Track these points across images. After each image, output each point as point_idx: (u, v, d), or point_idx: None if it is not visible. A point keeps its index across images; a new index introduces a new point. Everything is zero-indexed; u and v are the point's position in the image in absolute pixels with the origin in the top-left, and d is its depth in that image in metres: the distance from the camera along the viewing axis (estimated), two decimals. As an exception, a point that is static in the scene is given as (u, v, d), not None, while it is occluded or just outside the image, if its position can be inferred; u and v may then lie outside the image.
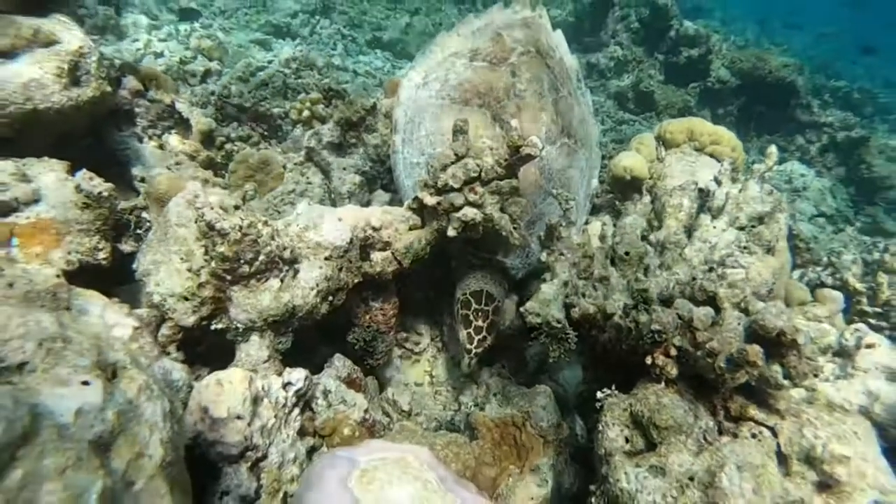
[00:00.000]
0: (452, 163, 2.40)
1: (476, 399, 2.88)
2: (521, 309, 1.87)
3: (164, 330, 2.10)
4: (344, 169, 3.29)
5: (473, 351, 2.51)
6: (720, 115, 8.09)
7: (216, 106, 4.73)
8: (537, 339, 1.80)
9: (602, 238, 2.38)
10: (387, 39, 9.48)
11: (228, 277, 1.99)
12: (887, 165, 7.00)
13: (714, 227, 2.39)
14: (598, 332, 1.86)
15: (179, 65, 5.61)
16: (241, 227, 1.92)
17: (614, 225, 2.69)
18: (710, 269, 2.25)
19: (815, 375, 1.53)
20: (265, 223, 2.02)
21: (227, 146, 3.70)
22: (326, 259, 2.21)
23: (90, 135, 2.90)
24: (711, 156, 3.07)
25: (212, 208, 1.95)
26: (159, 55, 6.19)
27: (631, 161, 3.03)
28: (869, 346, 2.07)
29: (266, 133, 4.76)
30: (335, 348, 2.76)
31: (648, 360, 1.63)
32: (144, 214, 2.64)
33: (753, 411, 1.57)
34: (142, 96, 3.39)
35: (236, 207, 2.20)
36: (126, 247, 2.53)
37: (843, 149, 7.43)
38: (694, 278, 1.81)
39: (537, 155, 2.36)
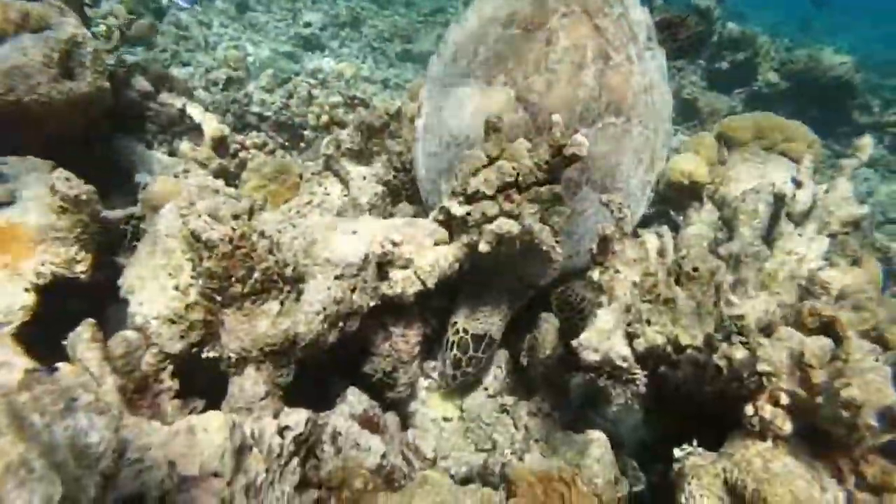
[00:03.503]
0: (484, 166, 2.06)
1: (513, 441, 2.50)
2: (575, 343, 1.51)
3: (149, 357, 1.81)
4: (364, 178, 2.98)
5: (449, 386, 2.50)
6: (769, 123, 7.57)
7: (236, 114, 4.53)
8: (595, 380, 1.44)
9: (661, 252, 2.00)
10: (417, 52, 9.27)
11: (219, 298, 1.69)
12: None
13: (800, 236, 1.98)
14: (669, 368, 1.48)
15: (204, 73, 5.46)
16: (231, 239, 1.61)
17: (673, 237, 2.31)
18: (800, 286, 1.85)
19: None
20: (262, 234, 1.71)
21: (241, 154, 3.44)
22: (337, 279, 1.89)
23: (91, 138, 2.67)
24: (783, 155, 2.66)
25: (199, 216, 1.65)
26: (186, 64, 6.07)
27: (690, 164, 2.64)
28: None
29: (287, 143, 4.54)
30: (350, 380, 2.43)
31: (749, 411, 1.24)
32: (143, 226, 2.39)
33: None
34: (152, 99, 3.17)
35: (235, 217, 1.91)
36: (123, 260, 2.27)
37: (911, 150, 6.84)
38: (801, 299, 1.43)
39: (583, 156, 2.00)
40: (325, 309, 1.80)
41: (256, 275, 1.66)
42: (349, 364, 2.39)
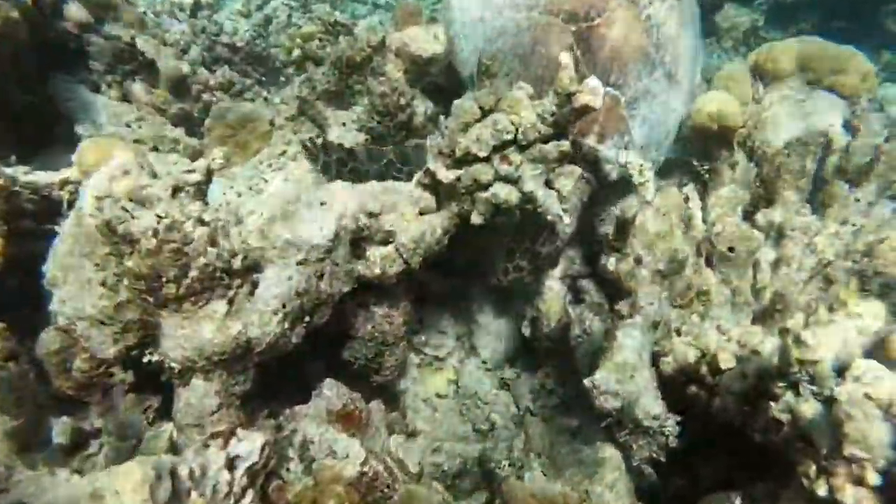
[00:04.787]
0: (477, 120, 1.69)
1: (512, 418, 2.27)
2: (588, 384, 1.21)
3: (80, 363, 1.55)
4: (343, 125, 2.60)
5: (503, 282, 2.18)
6: (793, 37, 6.91)
7: (205, 46, 4.04)
8: (617, 435, 1.15)
9: (689, 221, 1.67)
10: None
11: (150, 299, 1.39)
12: None
13: (857, 200, 1.64)
14: (704, 392, 1.19)
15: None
16: (156, 232, 1.29)
17: (702, 198, 1.96)
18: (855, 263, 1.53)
19: None
20: (200, 221, 1.38)
21: (206, 97, 3.03)
22: (300, 264, 1.58)
23: (20, 79, 2.28)
24: (831, 90, 2.24)
25: (117, 201, 1.32)
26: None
27: (719, 105, 2.23)
28: None
29: (264, 78, 4.09)
30: (333, 360, 2.18)
31: (821, 490, 0.96)
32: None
33: None
34: (94, 32, 2.73)
35: (178, 190, 1.57)
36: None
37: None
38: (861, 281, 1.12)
39: (597, 106, 1.63)
40: (284, 305, 1.51)
41: (193, 273, 1.35)
42: (332, 346, 2.14)
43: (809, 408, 1.00)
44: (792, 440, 1.02)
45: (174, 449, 1.57)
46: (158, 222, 1.30)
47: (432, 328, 2.45)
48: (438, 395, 2.39)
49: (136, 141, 2.61)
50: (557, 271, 2.35)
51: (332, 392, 1.83)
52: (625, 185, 1.87)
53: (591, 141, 1.96)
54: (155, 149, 2.64)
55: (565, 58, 1.68)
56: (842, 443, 0.90)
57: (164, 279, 1.34)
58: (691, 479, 1.54)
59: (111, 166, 1.60)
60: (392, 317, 2.00)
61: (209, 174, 2.37)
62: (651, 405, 1.13)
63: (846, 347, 1.02)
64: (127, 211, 1.31)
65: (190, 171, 2.30)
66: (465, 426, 2.28)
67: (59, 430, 1.68)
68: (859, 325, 1.03)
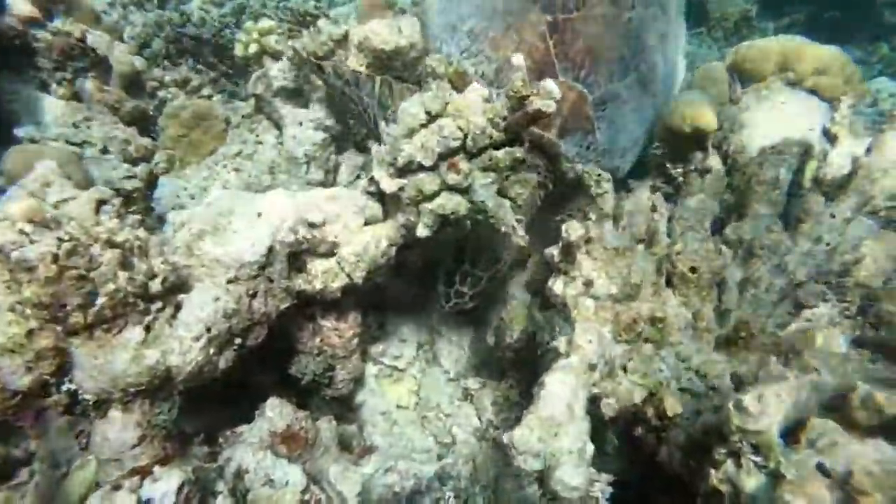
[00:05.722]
0: (422, 125, 1.58)
1: (474, 432, 2.19)
2: (506, 440, 1.11)
3: (-6, 393, 1.44)
4: (300, 124, 2.47)
5: (444, 308, 2.13)
6: (785, 27, 6.75)
7: (169, 39, 3.88)
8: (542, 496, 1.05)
9: (652, 238, 1.56)
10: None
11: (58, 328, 1.28)
12: None
13: (833, 217, 1.53)
14: (651, 435, 1.10)
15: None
16: (56, 258, 1.18)
17: (671, 204, 1.86)
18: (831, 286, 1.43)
19: None
20: (110, 242, 1.27)
21: (161, 93, 2.90)
22: (230, 282, 1.47)
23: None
24: (812, 92, 2.12)
25: (13, 223, 1.20)
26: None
27: (694, 107, 2.11)
28: None
29: (231, 71, 3.93)
30: (284, 374, 2.08)
31: None
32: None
33: None
34: (41, 26, 2.59)
35: (102, 204, 1.46)
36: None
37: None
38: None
39: (552, 111, 1.51)
40: (209, 330, 1.40)
41: (101, 300, 1.24)
42: (282, 360, 2.04)
43: (752, 482, 0.89)
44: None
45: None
46: (59, 246, 1.19)
47: (392, 336, 2.36)
48: (399, 407, 2.30)
49: (84, 142, 2.48)
50: (522, 277, 2.25)
51: (274, 412, 1.72)
52: (581, 189, 1.78)
53: (551, 135, 1.86)
54: (104, 150, 2.51)
55: (518, 59, 1.56)
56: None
57: (68, 307, 1.23)
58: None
59: (28, 179, 1.48)
60: (340, 329, 1.89)
61: (151, 179, 2.27)
62: (570, 476, 1.02)
63: (798, 408, 0.92)
64: (25, 234, 1.20)
65: (130, 177, 2.20)
66: (425, 440, 2.19)
67: (-18, 458, 1.58)
68: (815, 381, 0.93)
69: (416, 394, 2.34)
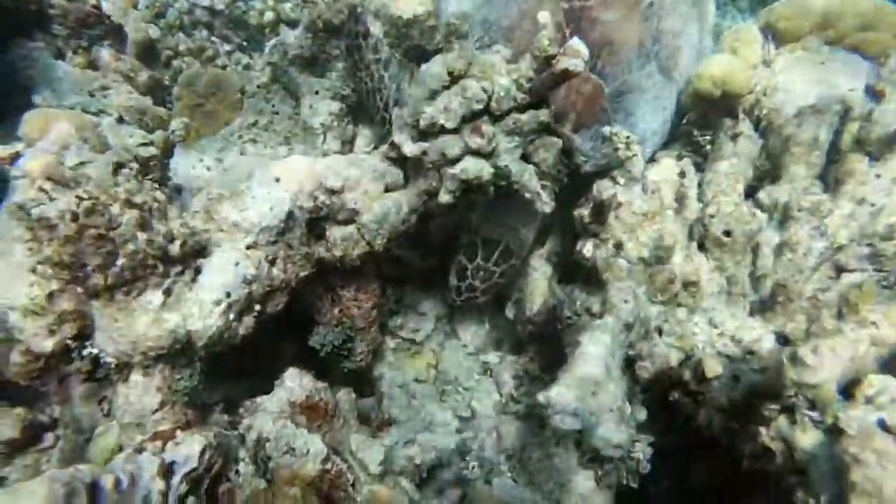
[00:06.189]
0: (445, 87, 1.52)
1: (494, 406, 2.16)
2: (543, 400, 1.07)
3: (16, 357, 1.43)
4: (317, 93, 2.42)
5: (456, 302, 2.13)
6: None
7: (184, 9, 3.83)
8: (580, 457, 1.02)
9: (681, 201, 1.51)
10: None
11: (79, 289, 1.26)
12: None
13: (878, 177, 1.46)
14: (688, 399, 1.06)
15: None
16: (76, 217, 1.15)
17: (699, 172, 1.79)
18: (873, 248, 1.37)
19: None
20: (127, 203, 1.24)
21: (176, 62, 2.86)
22: (249, 248, 1.44)
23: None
24: (855, 50, 2.01)
25: (33, 180, 1.18)
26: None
27: (723, 67, 2.02)
28: None
29: (246, 43, 3.88)
30: (304, 344, 2.06)
31: None
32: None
33: None
34: (56, -7, 2.56)
35: (121, 166, 1.43)
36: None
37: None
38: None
39: (579, 72, 1.45)
40: (229, 295, 1.37)
41: (121, 262, 1.22)
42: (303, 330, 2.02)
43: (808, 439, 0.85)
44: (786, 474, 0.87)
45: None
46: (79, 205, 1.16)
47: (411, 310, 2.33)
48: (417, 381, 2.27)
49: (100, 111, 2.46)
50: (543, 250, 2.20)
51: (294, 383, 1.71)
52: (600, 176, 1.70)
53: (566, 129, 1.78)
54: (120, 119, 2.49)
55: (544, 17, 1.50)
56: (848, 495, 0.75)
57: (88, 267, 1.20)
58: (682, 479, 1.42)
59: (46, 140, 1.46)
60: (360, 300, 1.87)
61: (167, 147, 2.24)
62: (612, 433, 0.99)
63: (855, 363, 0.87)
64: (44, 192, 1.17)
65: (146, 145, 2.17)
66: (444, 414, 2.17)
67: (10, 422, 1.59)
68: (874, 336, 0.87)
69: (434, 367, 2.31)
